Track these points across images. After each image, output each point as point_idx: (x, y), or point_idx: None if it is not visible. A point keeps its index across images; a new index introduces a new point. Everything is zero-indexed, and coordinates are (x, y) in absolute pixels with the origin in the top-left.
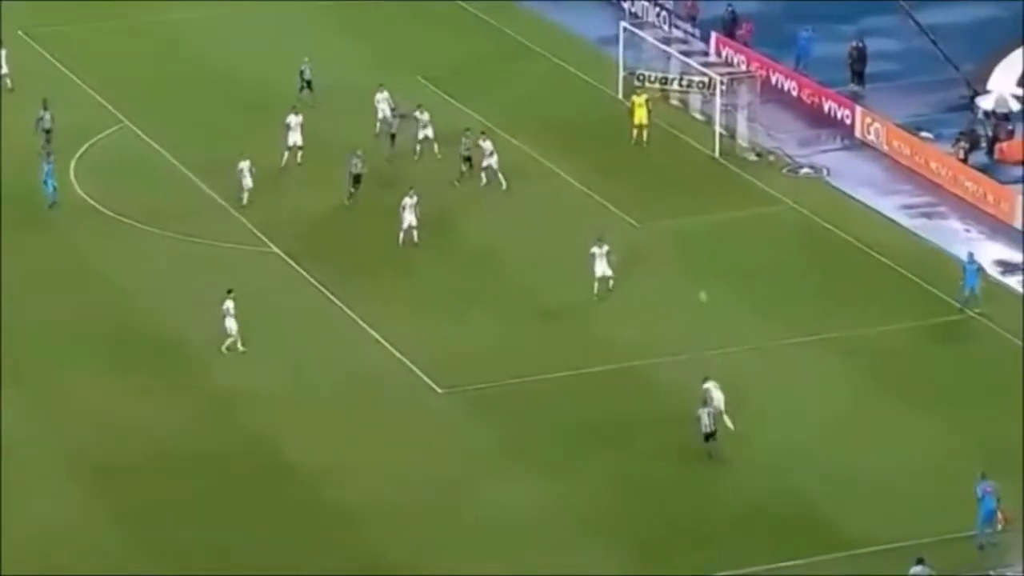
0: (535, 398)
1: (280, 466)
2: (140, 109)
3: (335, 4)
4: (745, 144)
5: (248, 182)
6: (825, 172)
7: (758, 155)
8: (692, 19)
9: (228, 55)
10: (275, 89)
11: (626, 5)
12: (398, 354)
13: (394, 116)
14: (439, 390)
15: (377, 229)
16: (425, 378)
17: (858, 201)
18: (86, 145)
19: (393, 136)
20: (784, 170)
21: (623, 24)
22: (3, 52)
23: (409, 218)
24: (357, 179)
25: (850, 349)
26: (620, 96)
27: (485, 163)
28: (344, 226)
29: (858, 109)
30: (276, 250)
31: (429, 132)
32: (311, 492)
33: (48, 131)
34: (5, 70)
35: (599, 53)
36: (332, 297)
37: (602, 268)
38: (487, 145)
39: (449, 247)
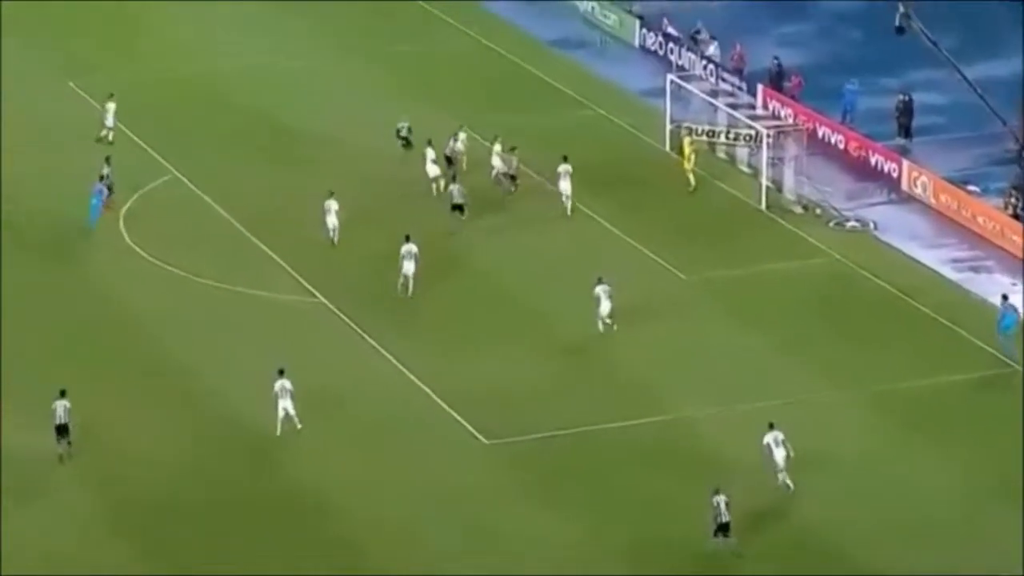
0: (576, 450)
1: (319, 510)
2: (190, 160)
3: (373, 54)
4: (791, 197)
5: (333, 220)
6: (872, 225)
7: (804, 208)
8: (739, 72)
9: (277, 105)
10: (323, 140)
11: (673, 58)
12: (444, 405)
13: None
14: (485, 440)
15: (426, 274)
16: (471, 428)
17: (904, 254)
18: (136, 195)
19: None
20: (830, 223)
21: (670, 77)
22: (111, 106)
23: (408, 267)
24: (459, 208)
25: (894, 402)
26: (667, 148)
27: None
28: (389, 273)
29: (905, 162)
30: (322, 299)
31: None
32: (347, 537)
33: (110, 187)
34: (111, 123)
35: (645, 105)
36: (376, 344)
37: (606, 307)
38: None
39: (493, 294)
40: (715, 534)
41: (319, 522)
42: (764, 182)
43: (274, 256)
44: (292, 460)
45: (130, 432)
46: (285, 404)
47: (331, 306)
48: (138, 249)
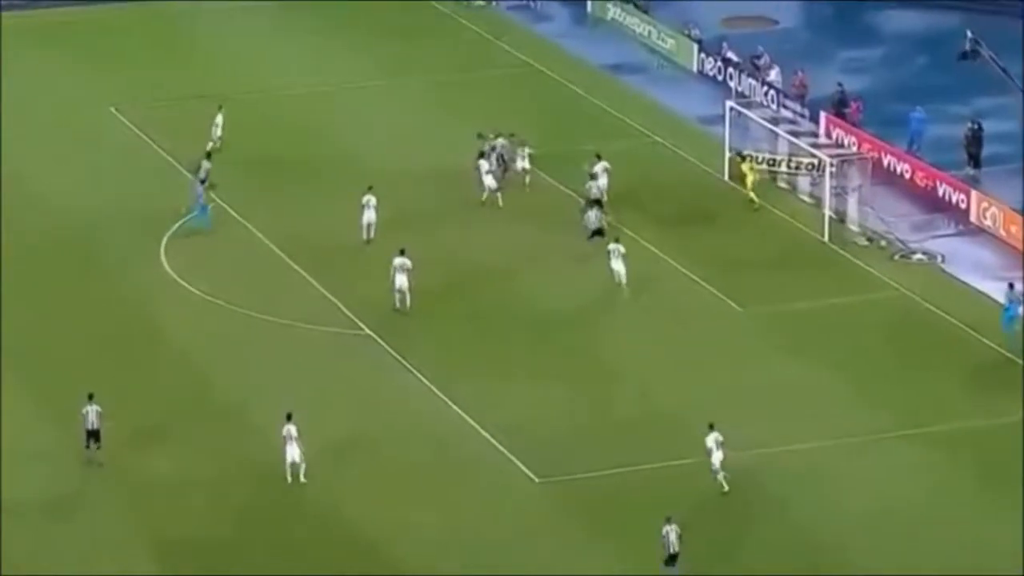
0: (628, 489)
1: (364, 549)
2: (233, 187)
3: (424, 79)
4: (855, 228)
5: (371, 216)
6: (939, 258)
7: (869, 240)
8: (801, 98)
9: (326, 132)
10: (374, 167)
11: (732, 83)
12: (495, 441)
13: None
14: (536, 479)
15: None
16: (522, 466)
17: (973, 288)
18: (177, 223)
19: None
20: (896, 256)
21: (729, 103)
22: (220, 117)
23: (401, 280)
24: (599, 232)
25: (960, 442)
26: (726, 177)
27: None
28: (438, 306)
29: (974, 193)
30: (367, 331)
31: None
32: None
33: (203, 180)
34: (219, 132)
35: (703, 133)
36: (421, 377)
37: (618, 266)
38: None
39: (544, 325)
40: (665, 564)
41: (363, 562)
42: (827, 213)
43: (318, 286)
44: (335, 498)
45: (170, 467)
46: (292, 452)
47: (377, 338)
48: (178, 278)
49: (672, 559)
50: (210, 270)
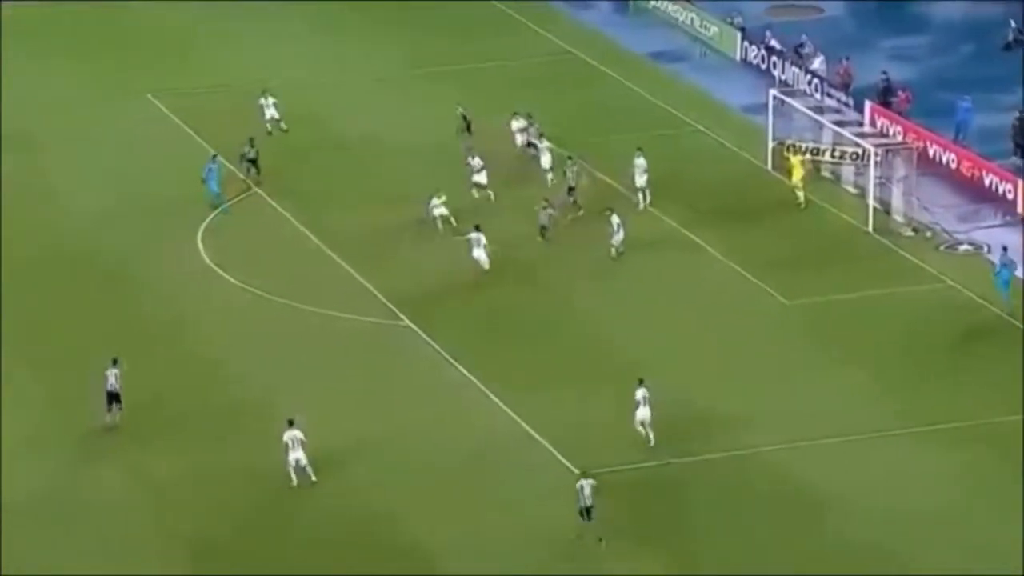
0: (667, 482)
1: (406, 546)
2: (271, 175)
3: (461, 67)
4: (900, 219)
5: (441, 211)
6: (985, 249)
7: (914, 231)
8: (845, 87)
9: (365, 120)
10: (411, 155)
11: (776, 72)
12: (536, 434)
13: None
14: (576, 473)
15: (512, 295)
16: (563, 460)
17: (1019, 278)
18: (214, 212)
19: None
20: (942, 247)
21: (772, 92)
22: (271, 99)
23: (479, 253)
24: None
25: (1008, 438)
26: (768, 167)
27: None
28: (479, 297)
29: (1021, 183)
30: (407, 322)
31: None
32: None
33: (253, 160)
34: (274, 115)
35: (746, 122)
36: (463, 370)
37: (618, 237)
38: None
39: (583, 318)
40: (580, 516)
41: (400, 559)
42: (871, 203)
43: (358, 276)
44: (376, 492)
45: (204, 458)
46: (297, 456)
47: (418, 330)
48: (215, 267)
49: (586, 512)
50: (247, 258)
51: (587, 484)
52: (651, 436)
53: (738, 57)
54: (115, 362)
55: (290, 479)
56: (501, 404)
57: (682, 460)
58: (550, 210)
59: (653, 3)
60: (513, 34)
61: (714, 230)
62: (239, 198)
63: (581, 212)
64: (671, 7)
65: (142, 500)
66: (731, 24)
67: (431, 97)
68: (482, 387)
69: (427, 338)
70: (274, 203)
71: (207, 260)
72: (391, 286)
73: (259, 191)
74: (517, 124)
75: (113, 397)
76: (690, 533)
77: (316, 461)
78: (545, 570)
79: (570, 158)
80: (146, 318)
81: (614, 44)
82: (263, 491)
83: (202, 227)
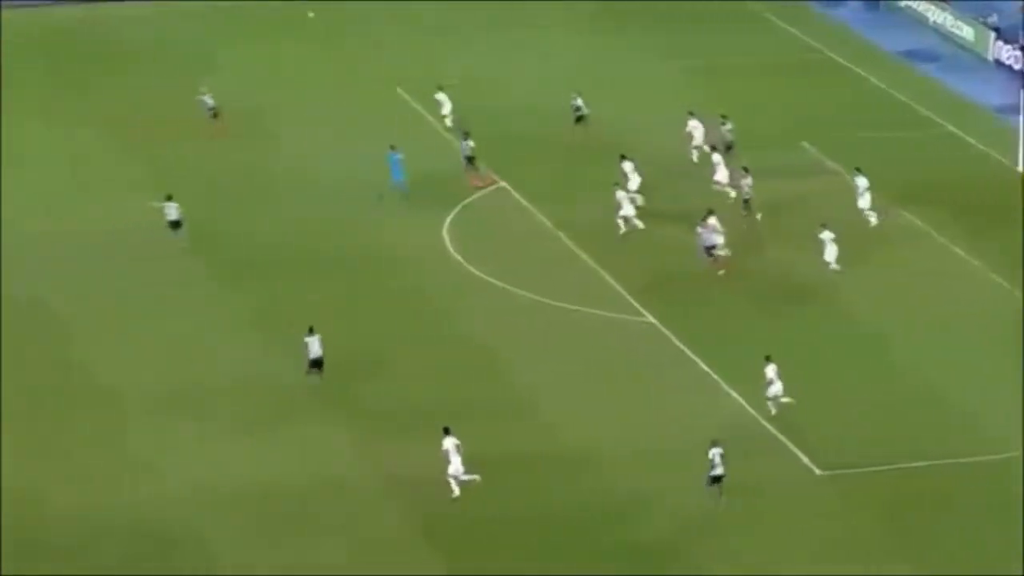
0: (908, 485)
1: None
2: (520, 169)
3: (710, 64)
4: None
5: (628, 209)
6: None
7: None
8: None
9: (612, 117)
10: (655, 155)
11: None
12: (777, 432)
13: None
14: (817, 471)
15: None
16: (804, 458)
17: None
18: (460, 205)
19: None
20: None
21: None
22: (442, 94)
23: (627, 209)
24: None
25: None
26: (1021, 169)
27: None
28: (722, 295)
29: None
30: (650, 318)
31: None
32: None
33: (470, 158)
34: (445, 111)
35: (1000, 123)
36: (704, 366)
37: (831, 254)
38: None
39: (830, 315)
40: (709, 484)
41: (647, 558)
42: None
43: (602, 272)
44: (619, 481)
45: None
46: (456, 464)
47: (661, 327)
48: (460, 259)
49: (716, 480)
50: (492, 250)
51: (718, 453)
52: (773, 410)
53: (991, 57)
54: (311, 331)
55: (451, 490)
56: (741, 400)
57: (932, 462)
58: (711, 223)
59: (905, 2)
60: (760, 31)
61: (961, 230)
62: (483, 191)
63: (759, 215)
64: (923, 6)
65: (398, 492)
66: (985, 24)
67: (676, 92)
68: (721, 381)
69: (670, 335)
70: (520, 196)
71: (452, 251)
72: (633, 281)
73: (505, 184)
74: (693, 124)
75: (316, 363)
76: (939, 533)
77: (571, 452)
78: (783, 564)
79: (745, 168)
80: (395, 308)
81: (863, 42)
82: (506, 480)
83: (448, 218)
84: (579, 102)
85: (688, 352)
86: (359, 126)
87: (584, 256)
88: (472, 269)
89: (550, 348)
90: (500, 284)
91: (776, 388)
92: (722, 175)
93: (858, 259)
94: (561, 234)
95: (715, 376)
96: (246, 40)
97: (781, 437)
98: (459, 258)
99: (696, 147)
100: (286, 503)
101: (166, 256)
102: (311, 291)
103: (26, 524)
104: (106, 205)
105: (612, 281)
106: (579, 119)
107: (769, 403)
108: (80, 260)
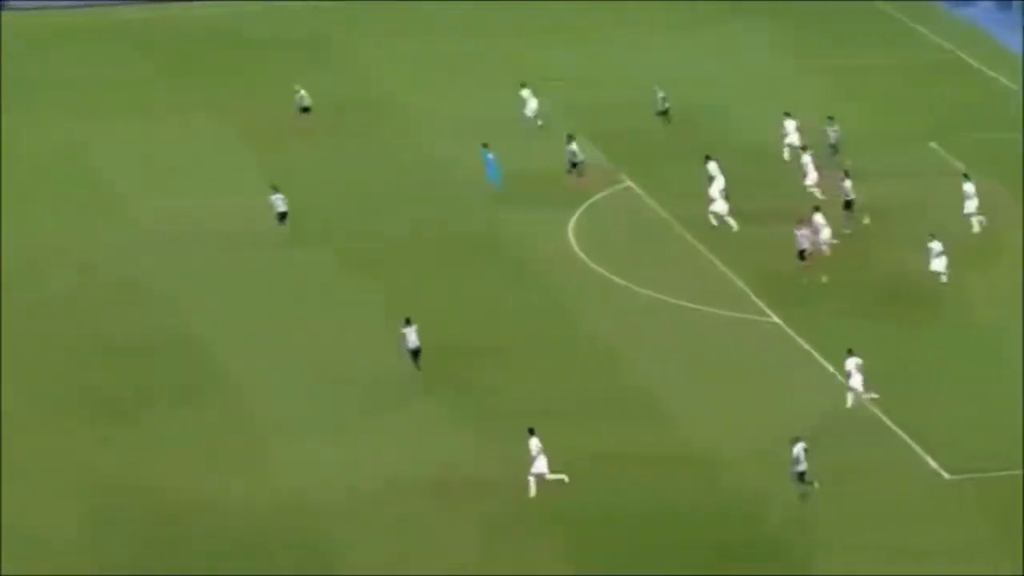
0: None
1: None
2: (646, 169)
3: (838, 64)
4: None
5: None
6: None
7: None
8: None
9: (735, 117)
10: (774, 156)
11: None
12: (906, 436)
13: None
14: (946, 475)
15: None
16: (932, 462)
17: None
18: (587, 203)
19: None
20: None
21: None
22: (526, 91)
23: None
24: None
25: None
26: None
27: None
28: (847, 295)
29: None
30: (775, 319)
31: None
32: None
33: (575, 164)
34: (531, 111)
35: None
36: (828, 366)
37: (939, 264)
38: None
39: (950, 317)
40: (797, 481)
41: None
42: None
43: (727, 271)
44: (740, 480)
45: (578, 447)
46: (539, 465)
47: (787, 328)
48: (585, 257)
49: (800, 476)
50: (615, 249)
51: (800, 448)
52: (849, 401)
53: None
54: (408, 321)
55: (528, 489)
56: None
57: None
58: (806, 231)
59: None
60: (890, 31)
61: None
62: (607, 191)
63: (867, 221)
64: None
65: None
66: None
67: (800, 90)
68: (845, 381)
69: (795, 335)
70: (645, 194)
71: (576, 249)
72: (759, 281)
73: (631, 183)
74: (791, 124)
75: (415, 353)
76: None
77: (692, 451)
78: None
79: (846, 172)
80: (519, 306)
81: (994, 42)
82: (635, 478)
83: (574, 217)
84: (660, 95)
85: (815, 354)
86: (489, 125)
87: (711, 256)
88: (596, 267)
89: (673, 347)
90: (623, 282)
91: (856, 381)
92: (812, 177)
93: (974, 262)
94: (687, 233)
95: (841, 378)
96: (389, 37)
97: (910, 442)
98: (583, 256)
99: (789, 145)
100: (416, 498)
101: (286, 246)
102: (435, 286)
103: (168, 519)
104: (233, 199)
105: (736, 280)
106: (662, 112)
107: (849, 395)
108: (202, 253)
